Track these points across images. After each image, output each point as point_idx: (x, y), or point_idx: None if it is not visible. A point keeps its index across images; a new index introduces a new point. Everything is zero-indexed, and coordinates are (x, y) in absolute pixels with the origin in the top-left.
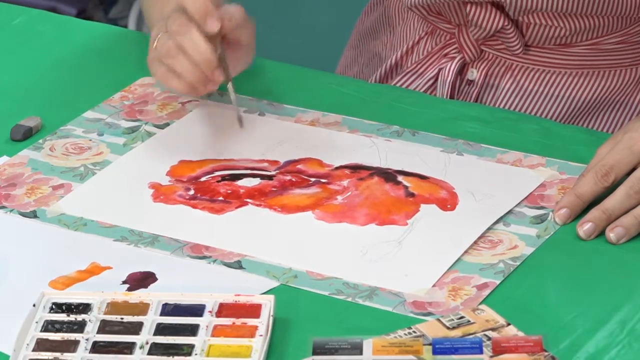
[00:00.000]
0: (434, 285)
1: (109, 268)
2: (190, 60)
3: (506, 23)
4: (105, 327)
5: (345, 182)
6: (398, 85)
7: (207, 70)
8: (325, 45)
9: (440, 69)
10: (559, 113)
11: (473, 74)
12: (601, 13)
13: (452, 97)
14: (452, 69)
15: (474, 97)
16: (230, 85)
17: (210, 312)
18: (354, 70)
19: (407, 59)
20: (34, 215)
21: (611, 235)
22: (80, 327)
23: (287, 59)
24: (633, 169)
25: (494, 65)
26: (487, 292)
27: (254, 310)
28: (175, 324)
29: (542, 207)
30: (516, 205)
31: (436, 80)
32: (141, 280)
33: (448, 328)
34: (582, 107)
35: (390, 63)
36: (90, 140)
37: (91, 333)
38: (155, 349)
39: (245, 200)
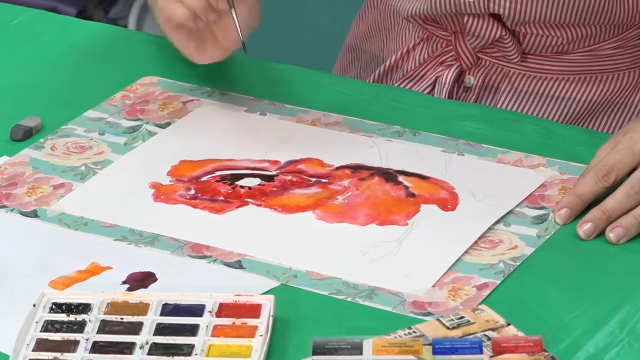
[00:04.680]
0: (434, 286)
1: (109, 268)
2: None
3: (503, 33)
4: (105, 327)
5: (345, 182)
6: None
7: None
8: (323, 47)
9: (437, 77)
10: (558, 118)
11: (470, 81)
12: (597, 22)
13: None
14: (449, 76)
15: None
16: (232, 11)
17: (210, 312)
18: (351, 74)
19: (403, 63)
20: (34, 214)
21: (611, 235)
22: (80, 327)
23: (285, 60)
24: (633, 169)
25: (491, 73)
26: (487, 292)
27: (254, 310)
28: (175, 324)
29: (542, 207)
30: (517, 206)
31: (434, 87)
32: (141, 280)
33: (448, 328)
34: (580, 111)
35: (386, 66)
36: (91, 139)
37: (91, 333)
38: (155, 349)
39: (245, 200)
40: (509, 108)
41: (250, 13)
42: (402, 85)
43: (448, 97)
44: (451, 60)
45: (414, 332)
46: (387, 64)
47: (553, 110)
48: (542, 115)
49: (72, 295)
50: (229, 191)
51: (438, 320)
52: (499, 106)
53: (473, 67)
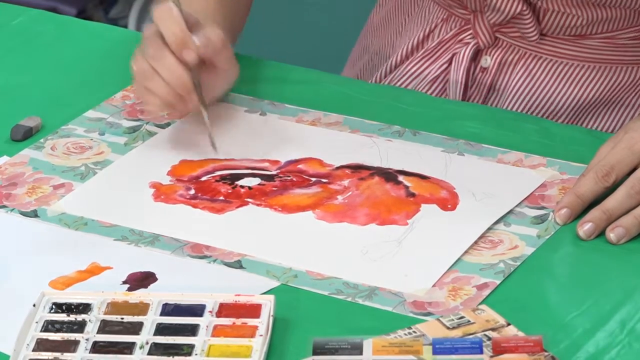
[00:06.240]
0: (434, 285)
1: (109, 268)
2: (166, 82)
3: (524, 8)
4: (105, 327)
5: (346, 182)
6: (411, 69)
7: (183, 92)
8: (329, 45)
9: (454, 54)
10: (569, 105)
11: (487, 61)
12: (618, 4)
13: (466, 84)
14: (466, 54)
15: (487, 85)
16: (203, 111)
17: (210, 312)
18: (365, 59)
19: (421, 46)
20: (34, 214)
21: (611, 235)
22: (80, 327)
23: (289, 58)
24: (634, 169)
25: (508, 53)
26: (487, 292)
27: (254, 310)
28: (176, 324)
29: (542, 207)
30: (517, 206)
31: (449, 64)
32: (141, 280)
33: (448, 328)
34: (591, 101)
35: (404, 51)
36: (92, 139)
37: (91, 333)
38: (155, 349)
39: (245, 199)
40: (522, 90)
41: (223, 78)
42: (419, 65)
43: (465, 76)
44: (469, 38)
45: (414, 332)
46: (405, 49)
47: (565, 97)
48: (554, 102)
49: (72, 295)
50: (229, 191)
51: (438, 320)
52: (512, 87)
53: (490, 46)
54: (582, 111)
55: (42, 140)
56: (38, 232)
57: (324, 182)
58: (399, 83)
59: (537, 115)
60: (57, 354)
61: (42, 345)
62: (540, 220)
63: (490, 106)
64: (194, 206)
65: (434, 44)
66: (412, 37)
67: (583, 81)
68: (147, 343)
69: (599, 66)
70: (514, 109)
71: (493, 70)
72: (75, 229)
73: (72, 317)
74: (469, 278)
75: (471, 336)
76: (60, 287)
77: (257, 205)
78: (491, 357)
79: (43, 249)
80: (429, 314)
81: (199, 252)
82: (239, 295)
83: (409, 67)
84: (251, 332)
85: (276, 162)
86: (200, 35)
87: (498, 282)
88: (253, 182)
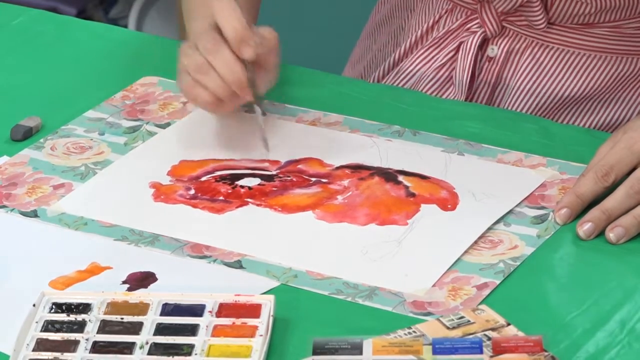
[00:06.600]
0: (433, 285)
1: (109, 268)
2: (221, 77)
3: None
4: (105, 327)
5: (345, 182)
6: (417, 59)
7: (237, 88)
8: (329, 45)
9: (461, 42)
10: (574, 95)
11: (494, 50)
12: None
13: (473, 73)
14: (474, 42)
15: (494, 74)
16: (257, 108)
17: (210, 312)
18: (367, 58)
19: (426, 38)
20: (34, 214)
21: (611, 235)
22: (80, 327)
23: (289, 58)
24: (633, 169)
25: (515, 42)
26: (486, 292)
27: (254, 310)
28: (175, 324)
29: (542, 207)
30: (517, 205)
31: (456, 52)
32: (141, 280)
33: (448, 328)
34: (595, 90)
35: (408, 43)
36: (92, 139)
37: (91, 333)
38: (155, 349)
39: (245, 199)
40: (528, 78)
41: (268, 76)
42: (425, 54)
43: (472, 65)
44: (476, 27)
45: (414, 332)
46: (409, 42)
47: (570, 86)
48: (559, 89)
49: (72, 295)
50: (229, 191)
51: (438, 320)
52: (518, 76)
53: (497, 35)
54: (586, 101)
55: (42, 140)
56: (38, 232)
57: (324, 182)
58: (404, 75)
59: (543, 104)
60: (57, 354)
61: (42, 345)
62: (540, 220)
63: (491, 106)
64: (194, 206)
65: (440, 34)
66: (417, 30)
67: (589, 71)
68: (147, 343)
69: (604, 56)
70: (521, 98)
71: (500, 60)
72: (75, 229)
73: (72, 317)
74: (469, 278)
75: (471, 336)
76: (60, 287)
77: (257, 205)
78: (491, 357)
79: (43, 249)
80: (429, 314)
81: (199, 252)
82: (238, 295)
83: (415, 58)
84: (251, 332)
85: (276, 162)
86: (257, 33)
87: (498, 282)
88: (253, 182)
